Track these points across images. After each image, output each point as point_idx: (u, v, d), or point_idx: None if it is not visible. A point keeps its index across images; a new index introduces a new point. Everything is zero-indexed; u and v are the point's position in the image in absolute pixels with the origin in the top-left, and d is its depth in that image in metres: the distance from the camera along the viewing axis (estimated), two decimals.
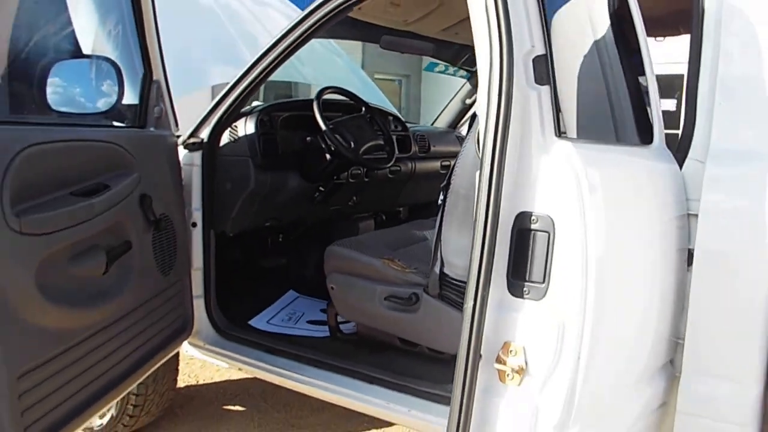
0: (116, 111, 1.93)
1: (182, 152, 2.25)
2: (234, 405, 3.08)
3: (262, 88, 3.40)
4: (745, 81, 1.38)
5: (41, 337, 1.48)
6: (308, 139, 2.34)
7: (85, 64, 1.90)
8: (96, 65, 1.93)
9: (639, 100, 1.41)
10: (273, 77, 2.34)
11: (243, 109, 2.34)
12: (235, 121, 2.35)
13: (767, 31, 1.38)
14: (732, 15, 1.41)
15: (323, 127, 2.27)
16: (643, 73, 1.41)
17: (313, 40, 2.28)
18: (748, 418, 1.35)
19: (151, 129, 2.05)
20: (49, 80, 1.76)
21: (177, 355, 2.69)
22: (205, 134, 2.26)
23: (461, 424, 1.10)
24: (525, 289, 1.10)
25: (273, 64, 2.11)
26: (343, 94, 2.56)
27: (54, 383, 1.53)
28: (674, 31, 1.90)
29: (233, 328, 2.35)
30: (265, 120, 2.36)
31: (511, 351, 1.10)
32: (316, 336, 2.40)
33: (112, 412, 2.58)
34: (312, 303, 2.67)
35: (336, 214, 2.73)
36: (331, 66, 4.12)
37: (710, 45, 1.43)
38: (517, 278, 1.10)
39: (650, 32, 1.48)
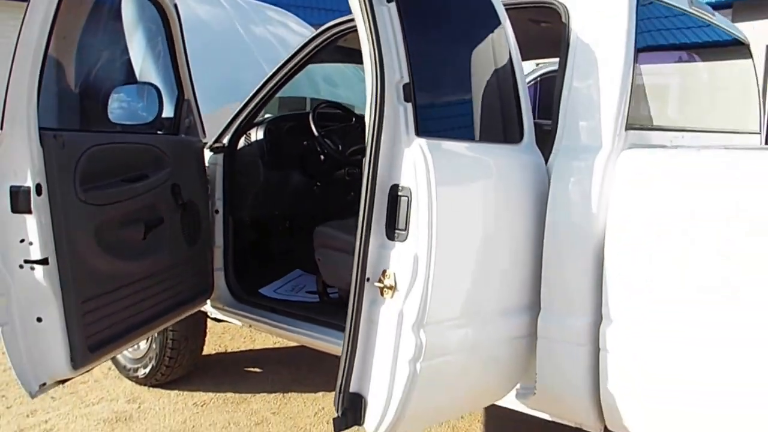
0: (156, 122, 2.70)
1: (209, 154, 3.01)
2: (254, 368, 3.82)
3: (278, 102, 4.18)
4: (583, 94, 1.98)
5: (98, 276, 2.24)
6: (305, 143, 3.05)
7: (135, 89, 2.69)
8: (143, 89, 2.71)
9: (512, 109, 2.02)
10: (293, 93, 3.03)
11: (255, 120, 3.08)
12: (249, 129, 3.09)
13: (602, 58, 1.97)
14: (579, 44, 2.02)
15: (315, 133, 2.97)
16: (517, 88, 2.03)
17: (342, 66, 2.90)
18: (583, 338, 1.93)
19: (182, 136, 2.81)
20: (110, 101, 2.54)
21: (204, 322, 3.47)
22: (226, 140, 3.01)
23: (355, 321, 1.76)
24: (395, 234, 1.74)
25: (275, 87, 2.83)
26: (335, 107, 3.26)
27: (106, 311, 2.29)
28: (547, 55, 2.49)
29: (246, 294, 3.07)
30: (272, 128, 3.09)
31: (386, 275, 1.74)
32: (310, 301, 3.09)
33: (153, 362, 3.36)
34: (313, 279, 3.37)
35: (337, 206, 3.42)
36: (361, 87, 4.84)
37: (570, 67, 2.04)
38: (391, 227, 1.74)
39: (529, 56, 2.10)
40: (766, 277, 1.60)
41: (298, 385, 3.54)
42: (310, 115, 3.04)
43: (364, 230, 1.74)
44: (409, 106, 1.72)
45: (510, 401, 2.17)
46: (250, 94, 2.92)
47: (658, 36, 2.27)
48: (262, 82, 2.87)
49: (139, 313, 2.47)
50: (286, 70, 2.79)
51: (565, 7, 2.09)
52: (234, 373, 3.74)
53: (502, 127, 2.00)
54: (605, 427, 2.05)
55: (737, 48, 2.86)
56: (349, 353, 1.76)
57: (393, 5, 1.72)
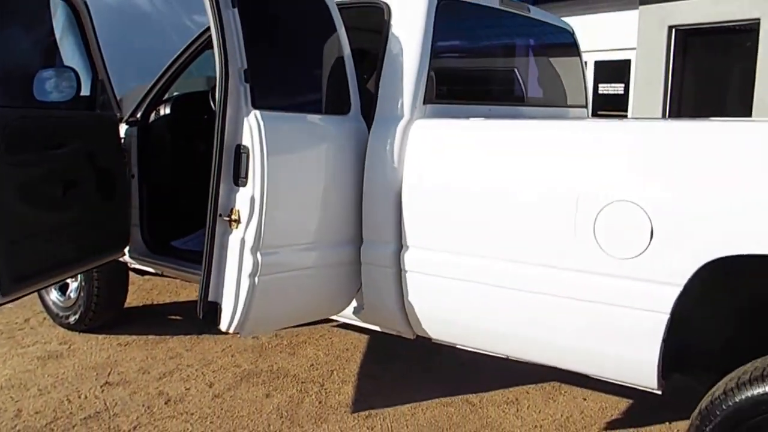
0: (75, 100, 3.34)
1: (125, 127, 3.66)
2: (175, 316, 4.52)
3: (206, 81, 4.80)
4: (392, 76, 2.68)
5: (23, 224, 2.89)
6: (206, 116, 3.72)
7: (56, 71, 3.31)
8: (63, 71, 3.34)
9: (342, 88, 2.71)
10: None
11: (165, 97, 3.73)
12: (159, 105, 3.74)
13: (405, 48, 2.67)
14: (392, 36, 2.71)
15: (213, 107, 3.65)
16: (345, 72, 2.71)
17: None
18: (390, 262, 2.65)
19: (98, 111, 3.46)
20: (34, 81, 3.17)
21: (126, 273, 4.14)
22: (139, 114, 3.66)
23: (210, 247, 2.45)
24: (239, 181, 2.42)
25: (178, 70, 3.48)
26: None
27: (30, 251, 2.94)
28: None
29: (159, 246, 3.74)
30: (178, 104, 3.74)
31: (233, 212, 2.44)
32: None
33: (81, 309, 4.03)
34: None
35: None
36: None
37: (386, 54, 2.73)
38: (236, 176, 2.43)
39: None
40: (503, 214, 2.33)
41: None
42: (210, 93, 3.70)
43: (216, 178, 2.43)
44: (248, 86, 2.40)
45: (349, 317, 2.90)
46: (158, 75, 3.57)
47: (471, 29, 2.97)
48: (167, 65, 3.53)
49: (59, 256, 3.13)
50: (187, 54, 3.45)
51: (388, 6, 2.78)
52: (157, 320, 4.44)
53: (331, 102, 2.69)
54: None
55: (561, 34, 3.59)
56: (206, 271, 2.46)
57: (236, 10, 2.40)
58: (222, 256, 2.47)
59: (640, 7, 9.52)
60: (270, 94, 2.47)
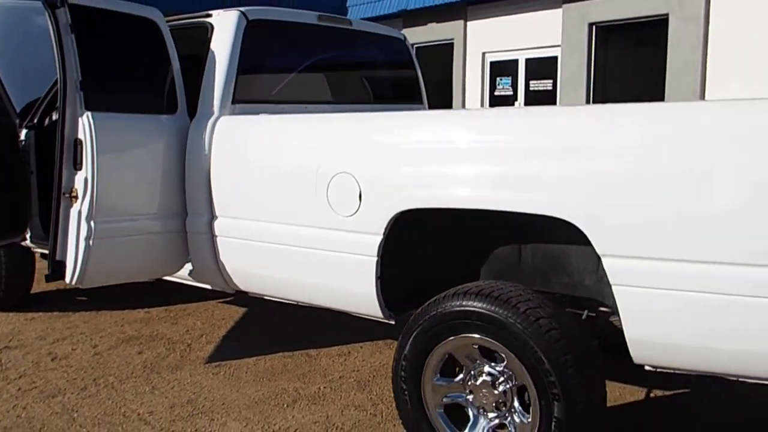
0: None
1: (25, 131, 4.48)
2: (82, 297, 5.35)
3: None
4: (209, 81, 3.51)
5: None
6: None
7: None
8: None
9: (170, 93, 3.53)
10: None
11: (56, 104, 4.55)
12: (52, 110, 4.56)
13: (217, 59, 3.50)
14: (211, 50, 3.55)
15: None
16: (173, 80, 3.54)
17: None
18: (206, 229, 3.47)
19: None
20: None
21: (33, 257, 4.97)
22: (36, 120, 4.48)
23: (56, 217, 3.28)
24: (77, 166, 3.24)
25: None
26: None
27: None
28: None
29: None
30: None
31: (73, 189, 3.26)
32: None
33: None
34: None
35: None
36: None
37: (207, 64, 3.56)
38: (75, 162, 3.25)
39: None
40: (273, 187, 3.16)
41: (110, 305, 5.09)
42: None
43: (60, 164, 3.26)
44: (82, 93, 3.24)
45: (186, 278, 3.72)
46: (51, 83, 4.40)
47: (285, 42, 3.81)
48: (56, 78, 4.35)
49: None
50: None
51: (212, 24, 3.61)
52: (64, 300, 5.27)
53: (159, 104, 3.52)
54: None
55: (392, 42, 4.44)
56: (53, 236, 3.28)
57: (73, 36, 3.23)
58: (66, 224, 3.29)
59: (563, 6, 10.40)
60: (101, 99, 3.29)
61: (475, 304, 2.54)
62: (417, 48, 13.55)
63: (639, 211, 2.24)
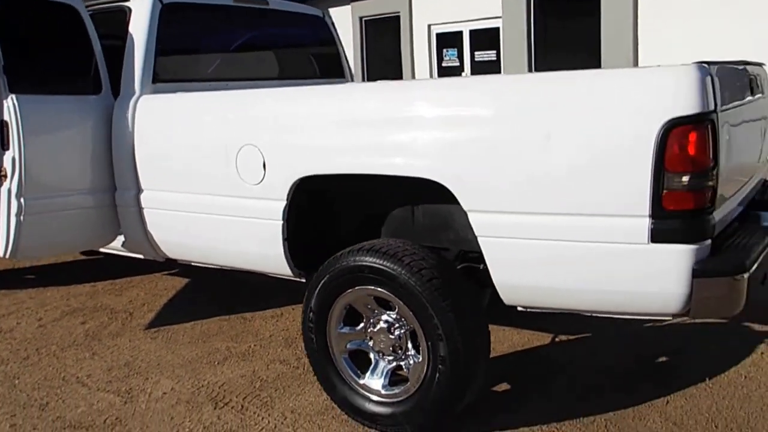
0: None
1: None
2: (30, 275, 5.58)
3: None
4: (130, 62, 3.74)
5: None
6: None
7: None
8: None
9: (94, 75, 3.76)
10: None
11: None
12: None
13: (135, 41, 3.74)
14: (130, 32, 3.78)
15: None
16: (97, 63, 3.77)
17: None
18: (134, 202, 3.74)
19: None
20: None
21: None
22: None
23: None
24: (4, 146, 3.47)
25: None
26: None
27: None
28: None
29: None
30: None
31: (2, 168, 3.49)
32: None
33: None
34: None
35: None
36: None
37: (127, 46, 3.79)
38: (3, 143, 3.48)
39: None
40: (189, 159, 3.43)
41: (58, 278, 5.34)
42: None
43: None
44: (5, 77, 3.46)
45: (121, 249, 3.99)
46: None
47: (201, 23, 4.05)
48: None
49: None
50: None
51: (130, 9, 3.84)
52: (13, 280, 5.50)
53: (83, 85, 3.74)
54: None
55: (312, 19, 4.70)
56: None
57: None
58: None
59: None
60: (25, 82, 3.51)
61: (367, 259, 2.86)
62: (366, 21, 13.77)
63: (495, 172, 2.57)
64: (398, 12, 12.75)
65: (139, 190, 3.71)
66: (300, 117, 3.05)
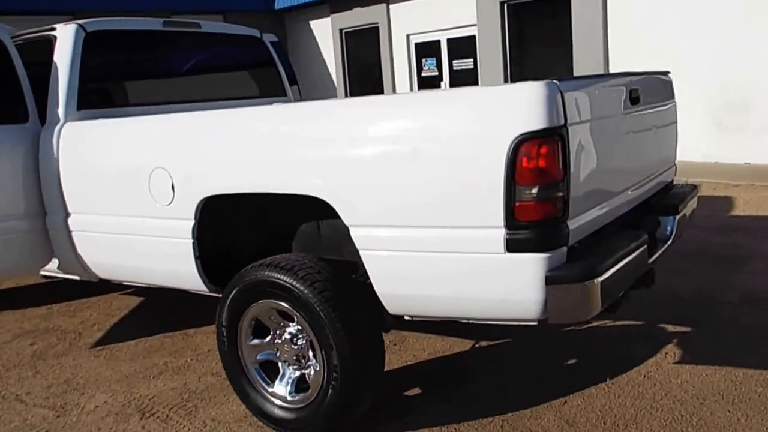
0: None
1: None
2: None
3: None
4: (54, 91, 3.95)
5: None
6: None
7: None
8: None
9: (21, 105, 3.96)
10: None
11: None
12: None
13: (57, 71, 3.94)
14: (55, 61, 3.99)
15: None
16: (22, 92, 3.98)
17: None
18: (62, 225, 3.93)
19: None
20: None
21: None
22: None
23: None
24: None
25: None
26: None
27: None
28: None
29: None
30: None
31: None
32: None
33: None
34: None
35: None
36: None
37: (53, 74, 4.00)
38: None
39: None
40: (107, 182, 3.62)
41: (13, 301, 5.54)
42: None
43: None
44: None
45: (56, 270, 4.19)
46: None
47: (128, 49, 4.25)
48: None
49: None
50: None
51: (55, 37, 4.05)
52: None
53: (9, 114, 3.94)
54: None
55: (248, 40, 4.90)
56: None
57: None
58: None
59: None
60: None
61: (267, 273, 3.03)
62: (345, 32, 13.98)
63: (368, 188, 2.74)
64: (377, 23, 12.95)
65: (67, 214, 3.90)
66: (201, 139, 3.24)
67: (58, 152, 3.85)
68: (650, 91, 3.40)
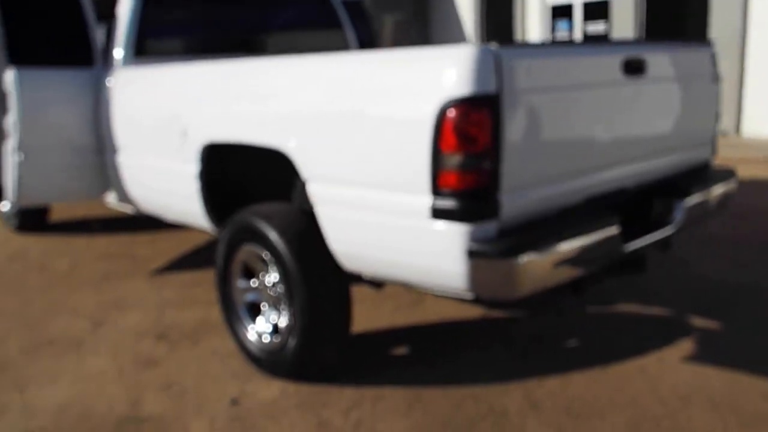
0: None
1: None
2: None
3: None
4: (115, 38, 4.30)
5: None
6: None
7: None
8: None
9: (87, 51, 4.37)
10: None
11: None
12: None
13: (119, 20, 4.27)
14: (117, 12, 4.34)
15: None
16: (90, 41, 4.38)
17: None
18: (113, 162, 4.34)
19: None
20: None
21: None
22: None
23: None
24: (6, 111, 4.20)
25: None
26: None
27: None
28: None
29: None
30: None
31: (6, 130, 4.23)
32: None
33: None
34: None
35: None
36: None
37: (115, 25, 4.36)
38: (4, 108, 4.21)
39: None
40: (148, 125, 3.94)
41: (104, 229, 6.20)
42: None
43: None
44: (6, 52, 4.18)
45: (113, 203, 4.64)
46: None
47: (187, 3, 4.53)
48: None
49: None
50: None
51: None
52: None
53: (78, 59, 4.38)
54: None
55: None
56: None
57: None
58: (5, 157, 4.29)
59: None
60: (25, 57, 4.22)
61: (250, 219, 3.19)
62: None
63: (318, 145, 2.78)
64: None
65: (116, 151, 4.30)
66: (206, 89, 3.44)
67: (111, 95, 4.22)
68: (667, 61, 3.08)
